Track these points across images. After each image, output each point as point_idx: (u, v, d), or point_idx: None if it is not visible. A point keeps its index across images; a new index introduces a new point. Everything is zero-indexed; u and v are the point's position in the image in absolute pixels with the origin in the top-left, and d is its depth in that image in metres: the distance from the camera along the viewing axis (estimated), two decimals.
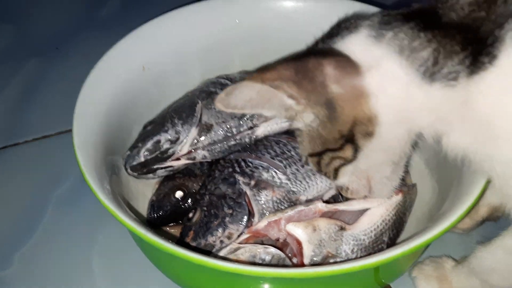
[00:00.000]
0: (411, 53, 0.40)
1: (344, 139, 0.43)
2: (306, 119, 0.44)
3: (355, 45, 0.42)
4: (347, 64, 0.41)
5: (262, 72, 0.41)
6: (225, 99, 0.43)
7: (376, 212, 0.51)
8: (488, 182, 0.46)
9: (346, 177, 0.47)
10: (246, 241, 0.49)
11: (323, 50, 0.43)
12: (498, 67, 0.38)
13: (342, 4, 0.66)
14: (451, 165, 0.47)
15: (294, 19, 0.67)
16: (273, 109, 0.44)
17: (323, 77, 0.41)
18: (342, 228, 0.49)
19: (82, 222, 0.63)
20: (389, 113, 0.41)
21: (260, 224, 0.49)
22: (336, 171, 0.46)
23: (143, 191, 0.61)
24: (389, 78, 0.40)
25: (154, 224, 0.58)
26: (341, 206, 0.51)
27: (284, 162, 0.55)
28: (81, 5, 0.96)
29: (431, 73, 0.39)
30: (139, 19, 0.66)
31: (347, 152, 0.44)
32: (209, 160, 0.58)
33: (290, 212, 0.49)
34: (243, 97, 0.43)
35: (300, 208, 0.50)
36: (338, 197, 0.55)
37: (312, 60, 0.41)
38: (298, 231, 0.47)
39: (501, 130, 0.39)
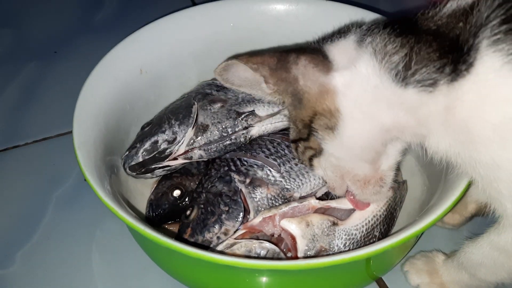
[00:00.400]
0: (384, 56, 0.41)
1: (307, 129, 0.46)
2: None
3: (339, 48, 0.45)
4: (320, 62, 0.44)
5: (249, 55, 0.46)
6: (223, 74, 0.48)
7: (367, 208, 0.52)
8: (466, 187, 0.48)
9: (321, 169, 0.49)
10: (242, 237, 0.50)
11: (309, 48, 0.47)
12: (474, 75, 0.39)
13: (333, 7, 0.68)
14: (439, 162, 0.49)
15: (286, 21, 0.69)
16: (262, 91, 0.48)
17: (297, 70, 0.45)
18: (334, 223, 0.50)
19: (82, 221, 0.64)
20: (354, 111, 0.44)
21: (255, 220, 0.51)
22: (311, 161, 0.49)
23: (141, 190, 0.62)
24: (360, 78, 0.43)
25: (152, 222, 0.59)
26: (333, 203, 0.53)
27: (278, 160, 0.56)
28: (79, 9, 0.97)
29: (403, 77, 0.41)
30: (135, 23, 0.68)
31: (314, 143, 0.47)
32: (205, 159, 0.59)
33: (284, 208, 0.51)
34: (240, 76, 0.47)
35: (294, 204, 0.51)
36: (330, 193, 0.56)
37: (293, 54, 0.45)
38: (292, 226, 0.49)
39: (479, 135, 0.40)
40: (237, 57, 0.46)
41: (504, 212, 0.44)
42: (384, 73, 0.41)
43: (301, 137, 0.48)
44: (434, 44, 0.40)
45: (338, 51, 0.45)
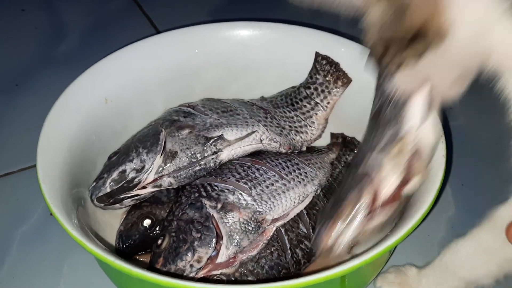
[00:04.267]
0: None
1: (407, 41, 0.40)
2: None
3: None
4: None
5: None
6: None
7: None
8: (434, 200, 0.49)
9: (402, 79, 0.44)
10: None
11: None
12: None
13: (296, 31, 0.70)
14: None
15: (250, 46, 0.70)
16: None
17: None
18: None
19: (48, 257, 0.62)
20: (468, 30, 0.38)
21: None
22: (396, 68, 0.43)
23: (111, 221, 0.61)
24: None
25: (123, 254, 0.58)
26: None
27: (249, 184, 0.56)
28: (40, 41, 0.96)
29: None
30: (99, 53, 0.67)
31: (409, 52, 0.41)
32: (175, 186, 0.58)
33: None
34: None
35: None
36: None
37: None
38: None
39: None
40: None
41: None
42: None
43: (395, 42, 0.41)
44: None
45: None
